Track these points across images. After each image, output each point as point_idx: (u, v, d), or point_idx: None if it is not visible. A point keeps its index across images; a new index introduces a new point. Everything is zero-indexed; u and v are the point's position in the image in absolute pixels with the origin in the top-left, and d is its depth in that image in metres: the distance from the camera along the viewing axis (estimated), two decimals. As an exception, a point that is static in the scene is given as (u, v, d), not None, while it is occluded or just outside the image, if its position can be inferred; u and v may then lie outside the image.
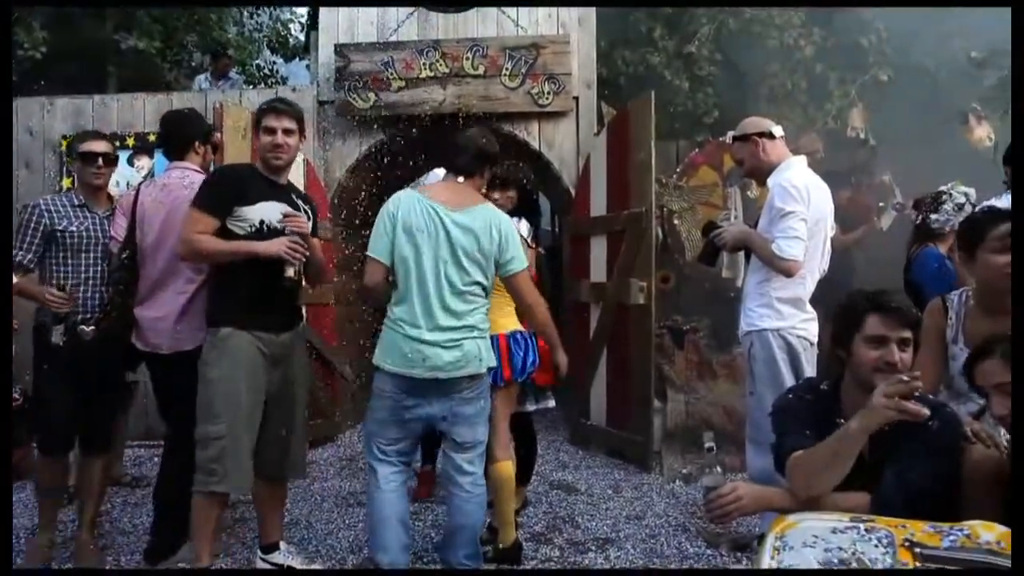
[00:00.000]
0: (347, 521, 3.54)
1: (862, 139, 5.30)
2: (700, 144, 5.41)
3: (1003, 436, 2.01)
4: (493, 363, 2.62)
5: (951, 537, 1.64)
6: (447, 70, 5.09)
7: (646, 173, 4.31)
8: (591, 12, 5.24)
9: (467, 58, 5.07)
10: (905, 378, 1.79)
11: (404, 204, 2.53)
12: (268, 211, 2.62)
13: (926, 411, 1.76)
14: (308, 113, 5.24)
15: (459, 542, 2.62)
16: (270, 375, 2.64)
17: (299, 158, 4.92)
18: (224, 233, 2.56)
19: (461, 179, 2.62)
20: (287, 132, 2.64)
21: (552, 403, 3.49)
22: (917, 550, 1.59)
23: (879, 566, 1.59)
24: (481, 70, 5.08)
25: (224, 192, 2.60)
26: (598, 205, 4.73)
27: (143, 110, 5.24)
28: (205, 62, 7.41)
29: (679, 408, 4.80)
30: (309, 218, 2.78)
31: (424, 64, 5.10)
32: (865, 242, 5.28)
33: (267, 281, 2.57)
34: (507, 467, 2.96)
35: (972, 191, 3.36)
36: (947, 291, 2.49)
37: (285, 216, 2.63)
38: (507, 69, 5.06)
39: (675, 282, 5.54)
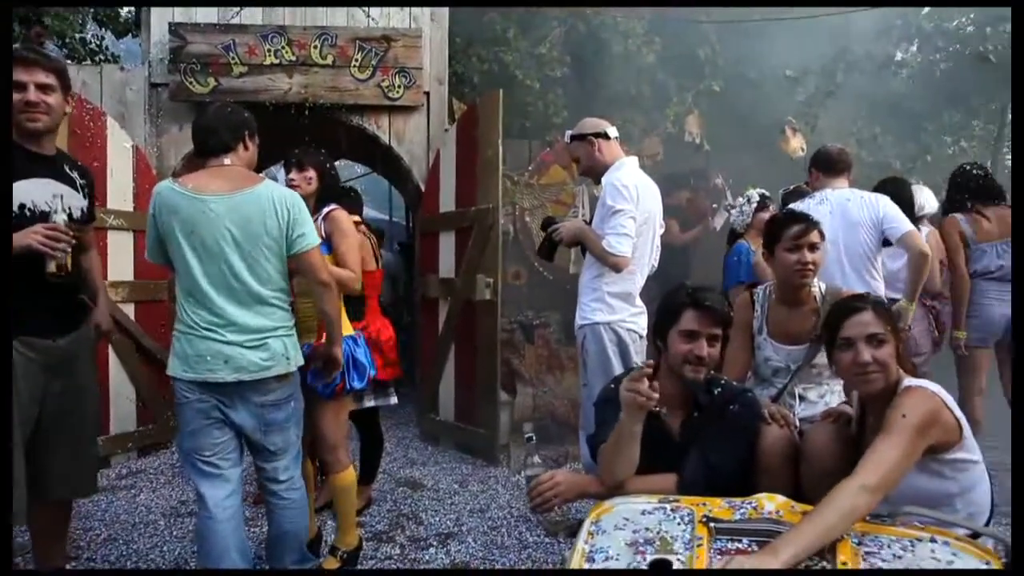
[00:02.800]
0: (175, 533, 3.31)
1: (698, 144, 5.67)
2: (550, 143, 5.56)
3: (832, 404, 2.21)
4: (301, 362, 2.46)
5: (742, 510, 1.78)
6: (293, 58, 4.89)
7: (494, 170, 4.35)
8: (444, 8, 5.23)
9: (315, 47, 4.90)
10: (637, 370, 1.96)
11: (166, 201, 2.25)
12: (31, 191, 2.25)
13: (655, 395, 1.92)
14: (139, 95, 4.89)
15: (284, 551, 2.49)
16: (48, 385, 2.31)
17: (127, 144, 4.61)
18: None
19: (227, 160, 2.36)
20: (42, 88, 2.25)
21: (394, 400, 3.45)
22: (712, 524, 1.71)
23: (679, 542, 1.69)
24: (330, 60, 4.92)
25: None
26: (447, 201, 4.73)
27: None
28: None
29: (527, 401, 4.91)
30: (86, 196, 2.46)
31: (269, 50, 4.87)
32: (701, 240, 5.65)
33: (30, 278, 2.21)
34: (347, 476, 2.87)
35: (756, 193, 3.72)
36: (738, 281, 2.71)
37: None
38: (357, 60, 4.93)
39: (526, 278, 5.67)
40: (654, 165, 5.54)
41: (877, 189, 3.60)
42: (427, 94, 5.10)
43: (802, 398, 2.47)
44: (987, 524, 1.95)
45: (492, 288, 4.30)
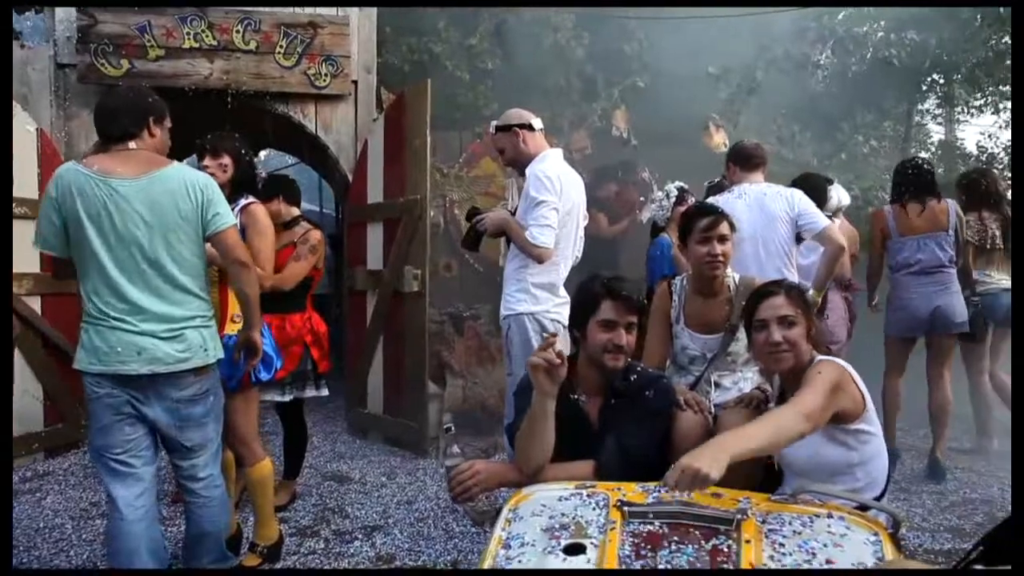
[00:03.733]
0: (83, 536, 3.16)
1: (625, 138, 5.77)
2: (480, 135, 5.55)
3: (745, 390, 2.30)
4: (221, 354, 2.37)
5: (655, 494, 1.83)
6: (215, 43, 4.73)
7: (422, 160, 4.32)
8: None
9: (237, 31, 4.75)
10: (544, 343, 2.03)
11: (66, 183, 2.14)
12: None
13: (557, 360, 1.97)
14: (43, 76, 4.63)
15: (203, 551, 2.41)
16: None
17: (30, 127, 4.36)
18: None
19: (132, 145, 2.25)
20: None
21: (326, 391, 3.41)
22: (625, 508, 1.75)
23: (594, 526, 1.73)
24: (253, 45, 4.78)
25: None
26: (375, 192, 4.67)
27: None
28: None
29: (457, 393, 4.90)
30: None
31: (188, 33, 4.69)
32: (629, 233, 5.76)
33: None
34: (263, 468, 2.81)
35: (675, 187, 3.84)
36: (660, 273, 2.79)
37: None
38: (282, 47, 4.81)
39: (457, 270, 5.66)
40: (583, 158, 5.61)
41: (795, 184, 3.73)
42: (355, 83, 5.02)
43: (717, 385, 2.56)
44: (882, 495, 2.06)
45: (420, 280, 4.27)
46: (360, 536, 3.18)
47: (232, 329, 2.67)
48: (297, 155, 7.08)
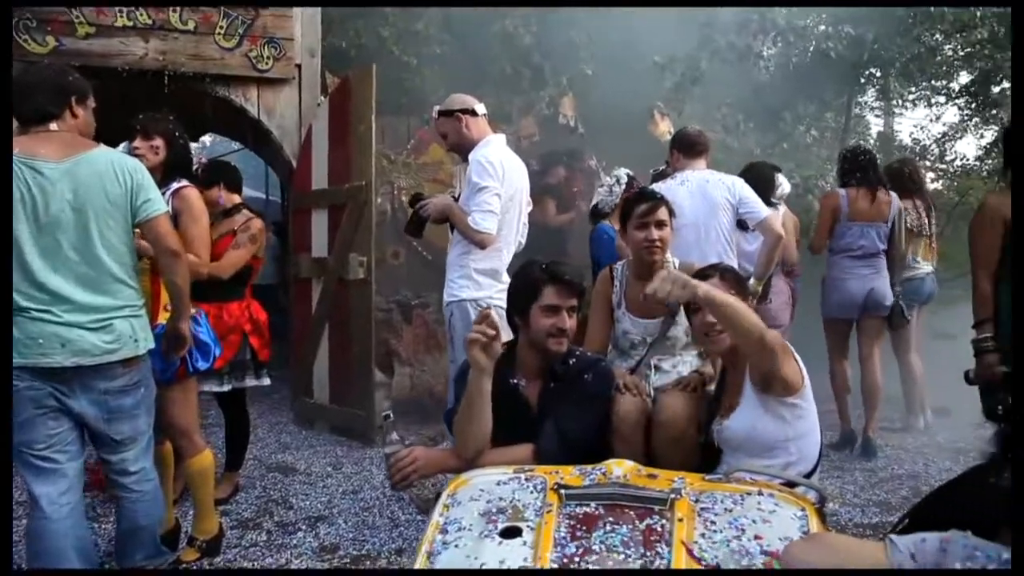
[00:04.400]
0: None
1: (572, 126, 5.79)
2: (427, 122, 5.49)
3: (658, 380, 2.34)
4: (152, 344, 2.29)
5: (591, 476, 1.85)
6: (150, 21, 4.55)
7: (367, 146, 4.26)
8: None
9: (174, 10, 4.58)
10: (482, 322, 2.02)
11: None
12: None
13: (492, 331, 1.98)
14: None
15: (136, 547, 2.34)
16: None
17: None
18: None
19: (54, 126, 2.14)
20: None
21: (267, 381, 3.35)
22: (562, 491, 1.76)
23: (530, 510, 1.74)
24: (191, 25, 4.61)
25: None
26: (320, 178, 4.58)
27: None
28: None
29: (405, 382, 4.88)
30: None
31: (120, 11, 4.50)
32: (575, 222, 5.79)
33: None
34: (203, 460, 2.76)
35: (624, 173, 3.88)
36: (604, 259, 2.81)
37: None
38: (222, 28, 4.66)
39: (405, 258, 5.62)
40: (530, 145, 5.61)
41: (743, 174, 3.80)
42: (299, 66, 4.89)
43: (657, 368, 2.59)
44: (813, 471, 2.12)
45: (366, 267, 4.22)
46: (304, 527, 3.14)
47: (165, 318, 2.59)
48: (240, 140, 6.90)
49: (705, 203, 3.41)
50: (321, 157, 4.58)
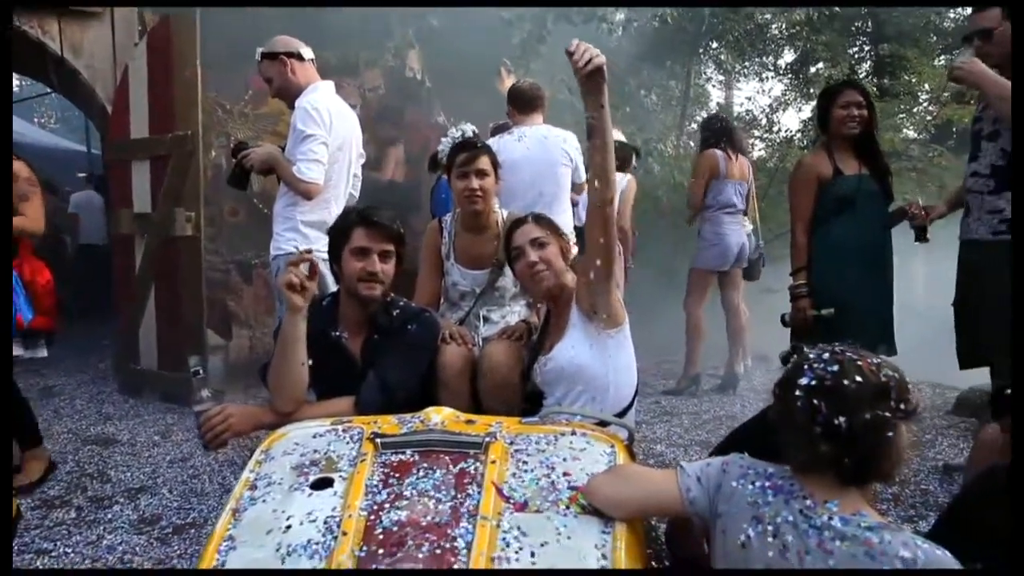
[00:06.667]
0: None
1: (419, 79, 5.67)
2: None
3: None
4: None
5: (409, 424, 1.84)
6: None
7: (192, 92, 3.94)
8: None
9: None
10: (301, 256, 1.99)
11: None
12: None
13: (305, 273, 1.93)
14: None
15: None
16: None
17: None
18: None
19: None
20: None
21: (44, 353, 3.02)
22: (378, 440, 1.74)
23: (344, 460, 1.70)
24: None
25: None
26: (140, 126, 4.19)
27: None
28: None
29: (244, 344, 4.65)
30: None
31: None
32: (428, 178, 5.70)
33: None
34: None
35: (468, 127, 3.86)
36: (443, 211, 2.79)
37: None
38: (14, -50, 4.10)
39: (243, 214, 5.31)
40: (376, 98, 5.43)
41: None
42: None
43: (486, 319, 2.62)
44: (628, 408, 2.20)
45: (194, 223, 3.94)
46: (121, 500, 2.93)
47: None
48: (44, 80, 6.17)
49: (543, 159, 3.43)
50: (140, 103, 4.19)
